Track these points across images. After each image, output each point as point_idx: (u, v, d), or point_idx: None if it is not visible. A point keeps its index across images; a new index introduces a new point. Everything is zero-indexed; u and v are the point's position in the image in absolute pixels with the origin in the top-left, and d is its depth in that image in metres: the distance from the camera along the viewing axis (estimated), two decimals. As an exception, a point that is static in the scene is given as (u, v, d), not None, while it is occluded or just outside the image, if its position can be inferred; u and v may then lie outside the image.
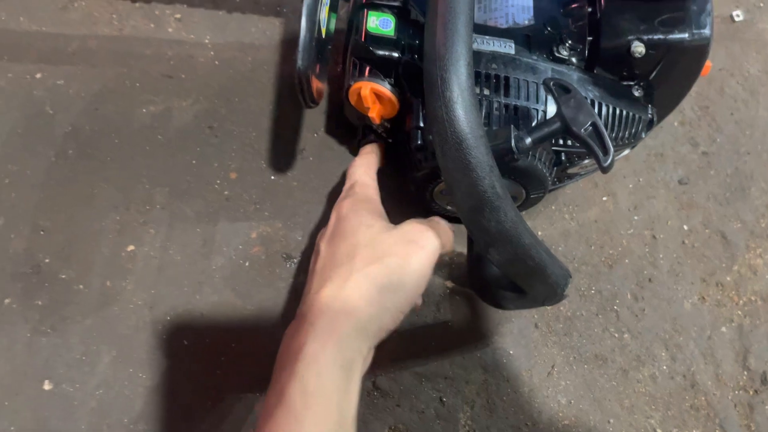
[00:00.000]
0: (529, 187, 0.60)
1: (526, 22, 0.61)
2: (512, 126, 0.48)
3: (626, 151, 0.65)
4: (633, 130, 0.59)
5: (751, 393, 0.70)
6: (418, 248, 0.47)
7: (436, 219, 0.56)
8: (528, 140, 0.48)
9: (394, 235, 0.48)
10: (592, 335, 0.71)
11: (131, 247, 0.69)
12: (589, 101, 0.55)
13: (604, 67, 0.59)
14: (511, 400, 0.68)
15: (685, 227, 0.78)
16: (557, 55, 0.58)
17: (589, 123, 0.46)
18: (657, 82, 0.60)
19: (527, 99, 0.56)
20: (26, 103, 0.73)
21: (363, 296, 0.43)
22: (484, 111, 0.55)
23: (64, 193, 0.70)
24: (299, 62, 0.49)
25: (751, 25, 0.93)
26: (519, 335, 0.71)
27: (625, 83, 0.60)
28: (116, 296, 0.66)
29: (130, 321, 0.66)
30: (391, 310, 0.44)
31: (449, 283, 0.73)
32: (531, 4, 0.63)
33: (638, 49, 0.56)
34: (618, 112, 0.58)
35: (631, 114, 0.58)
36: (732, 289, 0.75)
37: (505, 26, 0.61)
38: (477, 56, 0.56)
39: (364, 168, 0.61)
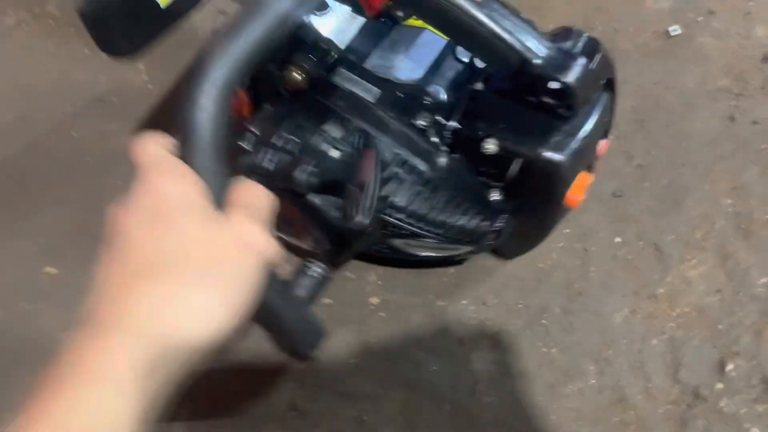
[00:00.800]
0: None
1: (407, 82, 0.60)
2: (308, 158, 0.50)
3: (464, 249, 0.62)
4: (471, 228, 0.58)
5: (683, 407, 0.68)
6: (254, 256, 0.35)
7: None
8: (312, 178, 0.49)
9: (228, 234, 0.35)
10: (519, 350, 0.70)
11: (51, 270, 0.69)
12: (425, 177, 0.55)
13: (462, 156, 0.58)
14: (433, 418, 0.66)
15: (618, 240, 0.77)
16: (414, 122, 0.57)
17: (362, 181, 0.47)
18: (516, 195, 0.58)
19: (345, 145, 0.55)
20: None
21: (200, 310, 0.32)
22: (305, 138, 0.54)
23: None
24: None
25: (689, 39, 0.93)
26: (443, 351, 0.70)
27: (484, 181, 0.58)
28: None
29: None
30: (226, 330, 0.32)
31: (374, 300, 0.72)
32: (425, 66, 0.60)
33: (489, 146, 0.54)
34: (456, 201, 0.57)
35: (471, 210, 0.57)
36: (665, 301, 0.74)
37: (384, 76, 0.59)
38: (332, 89, 0.57)
39: None
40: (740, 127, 0.86)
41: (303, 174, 0.49)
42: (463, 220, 0.57)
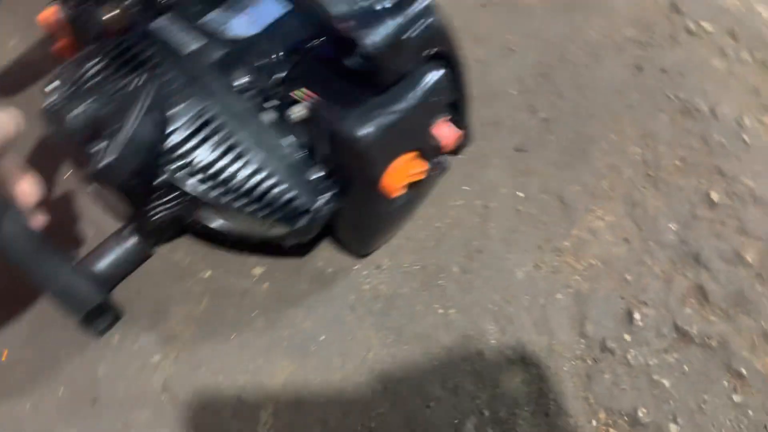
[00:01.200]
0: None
1: (236, 38, 0.54)
2: (93, 100, 0.45)
3: (279, 230, 0.53)
4: (281, 203, 0.50)
5: (589, 362, 0.64)
6: None
7: None
8: (79, 120, 0.44)
9: None
10: (415, 313, 0.65)
11: None
12: (235, 140, 0.49)
13: (283, 124, 0.51)
14: (320, 391, 0.61)
15: (521, 194, 0.73)
16: (233, 80, 0.51)
17: (119, 126, 0.42)
18: (334, 175, 0.52)
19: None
20: None
21: None
22: (104, 79, 0.49)
23: None
24: None
25: (595, -8, 0.90)
26: (332, 320, 0.65)
27: (304, 155, 0.51)
28: None
29: None
30: None
31: (257, 270, 0.67)
32: (262, 25, 0.55)
33: (295, 112, 0.48)
34: (267, 170, 0.49)
35: (283, 183, 0.49)
36: (570, 254, 0.70)
37: (212, 31, 0.54)
38: (146, 35, 0.51)
39: None
40: (648, 76, 0.83)
41: (74, 116, 0.45)
42: (273, 192, 0.49)
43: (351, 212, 0.55)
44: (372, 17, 0.42)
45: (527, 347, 0.64)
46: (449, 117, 0.53)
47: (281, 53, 0.52)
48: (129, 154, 0.41)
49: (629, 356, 0.64)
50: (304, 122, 0.49)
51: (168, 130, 0.47)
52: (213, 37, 0.53)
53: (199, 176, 0.48)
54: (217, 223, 0.52)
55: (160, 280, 0.66)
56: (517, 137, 0.77)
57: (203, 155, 0.48)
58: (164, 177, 0.48)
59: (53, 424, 0.58)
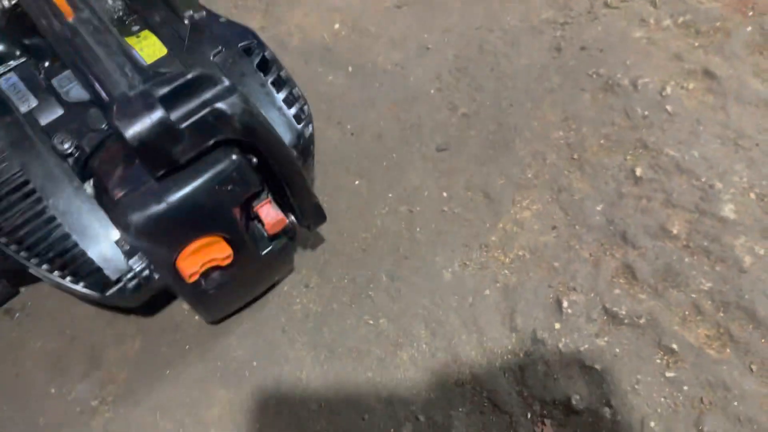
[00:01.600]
0: None
1: (78, 100, 0.53)
2: None
3: (80, 292, 0.52)
4: (84, 274, 0.50)
5: (521, 355, 0.64)
6: None
7: None
8: None
9: None
10: (346, 327, 0.66)
11: None
12: (44, 205, 0.49)
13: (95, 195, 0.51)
14: (257, 416, 0.62)
15: (445, 194, 0.73)
16: (56, 144, 0.51)
17: None
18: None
19: None
20: None
21: None
22: None
23: None
24: None
25: (511, -22, 0.90)
26: (264, 344, 0.66)
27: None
28: None
29: None
30: None
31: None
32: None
33: (88, 188, 0.50)
34: (69, 240, 0.49)
35: (88, 257, 0.50)
36: (497, 248, 0.70)
37: (59, 92, 0.54)
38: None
39: None
40: (567, 56, 0.83)
41: None
42: (78, 263, 0.50)
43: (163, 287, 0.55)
44: (135, 102, 0.40)
45: (458, 348, 0.64)
46: (268, 200, 0.51)
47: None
48: None
49: (560, 345, 0.64)
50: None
51: None
52: (53, 97, 0.53)
53: (9, 236, 0.49)
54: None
55: (93, 326, 0.67)
56: (438, 137, 0.77)
57: (14, 217, 0.49)
58: None
59: (-1, 481, 0.60)
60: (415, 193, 0.73)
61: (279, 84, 0.57)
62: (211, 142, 0.43)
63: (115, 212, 0.44)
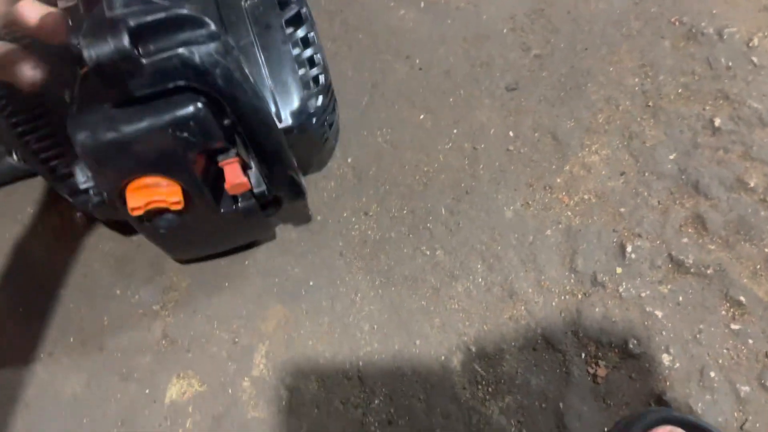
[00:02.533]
0: None
1: None
2: None
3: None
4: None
5: (579, 297, 0.63)
6: None
7: None
8: None
9: None
10: (402, 256, 0.66)
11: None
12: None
13: None
14: (309, 332, 0.63)
15: (511, 134, 0.72)
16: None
17: None
18: None
19: None
20: None
21: None
22: None
23: None
24: None
25: None
26: (321, 266, 0.66)
27: None
28: None
29: None
30: None
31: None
32: None
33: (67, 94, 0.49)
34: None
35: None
36: (562, 190, 0.68)
37: None
38: None
39: None
40: (649, 2, 0.79)
41: None
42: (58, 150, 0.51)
43: None
44: (108, 28, 0.38)
45: (515, 284, 0.64)
46: (235, 160, 0.48)
47: None
48: None
49: (621, 289, 0.62)
50: None
51: None
52: None
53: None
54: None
55: (158, 235, 0.69)
56: (508, 76, 0.76)
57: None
58: None
59: (66, 370, 0.63)
60: (480, 130, 0.72)
61: (304, 44, 0.54)
62: (171, 85, 0.41)
63: (68, 126, 0.43)
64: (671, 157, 0.68)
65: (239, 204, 0.53)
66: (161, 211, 0.48)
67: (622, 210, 0.66)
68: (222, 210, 0.53)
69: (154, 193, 0.46)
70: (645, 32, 0.77)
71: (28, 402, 0.61)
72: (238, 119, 0.45)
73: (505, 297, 0.63)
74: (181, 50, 0.40)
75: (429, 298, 0.64)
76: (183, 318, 0.65)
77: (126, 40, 0.38)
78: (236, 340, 0.63)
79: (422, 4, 0.82)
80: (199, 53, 0.41)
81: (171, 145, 0.44)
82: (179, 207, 0.47)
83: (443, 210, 0.68)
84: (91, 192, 0.52)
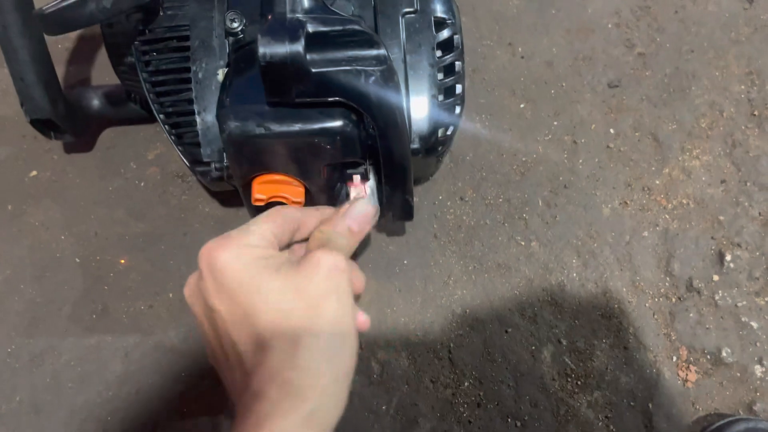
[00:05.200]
0: None
1: None
2: None
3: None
4: (186, 138, 0.53)
5: (673, 300, 0.63)
6: (337, 296, 0.35)
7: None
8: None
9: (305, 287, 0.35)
10: (497, 244, 0.67)
11: (34, 173, 0.71)
12: (187, 53, 0.51)
13: None
14: (402, 310, 0.64)
15: (612, 131, 0.72)
16: (226, 18, 0.51)
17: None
18: None
19: None
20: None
21: (317, 365, 0.32)
22: None
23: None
24: None
25: None
26: (416, 246, 0.67)
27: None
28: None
29: (26, 240, 0.68)
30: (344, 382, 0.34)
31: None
32: None
33: (220, 72, 0.51)
34: (193, 105, 0.52)
35: (197, 124, 0.52)
36: (660, 192, 0.68)
37: None
38: None
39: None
40: (759, 9, 0.78)
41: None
42: (186, 127, 0.52)
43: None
44: (288, 30, 0.39)
45: (609, 282, 0.64)
46: (366, 180, 0.50)
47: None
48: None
49: (716, 297, 0.62)
50: None
51: None
52: None
53: (152, 75, 0.52)
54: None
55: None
56: (611, 72, 0.75)
57: (162, 61, 0.52)
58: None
59: (166, 323, 0.65)
60: (581, 124, 0.72)
61: (449, 72, 0.54)
62: (330, 99, 0.42)
63: (220, 112, 0.44)
64: (775, 169, 0.68)
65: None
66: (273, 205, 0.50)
67: (722, 218, 0.66)
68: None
69: (281, 189, 0.47)
70: (754, 39, 0.76)
71: (128, 351, 0.63)
72: (380, 141, 0.45)
73: (599, 294, 0.64)
74: (349, 69, 0.40)
75: (521, 288, 0.65)
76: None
77: (302, 47, 0.39)
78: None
79: (527, -8, 0.81)
80: (365, 76, 0.41)
81: (312, 152, 0.45)
82: (299, 206, 0.49)
83: (540, 201, 0.68)
84: (213, 165, 0.53)
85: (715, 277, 0.63)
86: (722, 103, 0.72)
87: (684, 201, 0.68)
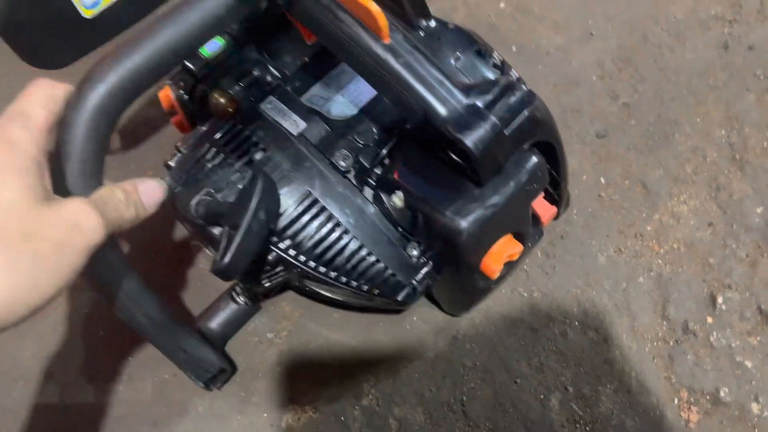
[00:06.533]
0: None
1: (338, 117, 0.56)
2: (208, 190, 0.49)
3: (379, 301, 0.56)
4: (381, 281, 0.53)
5: (671, 343, 0.67)
6: (80, 236, 0.33)
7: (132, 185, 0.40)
8: (203, 209, 0.48)
9: (53, 216, 0.33)
10: (500, 296, 0.70)
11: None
12: (335, 221, 0.51)
13: (381, 204, 0.53)
14: (415, 367, 0.68)
15: (602, 180, 0.76)
16: (335, 161, 0.53)
17: (234, 222, 0.44)
18: (433, 253, 0.53)
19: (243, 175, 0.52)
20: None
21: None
22: (218, 164, 0.53)
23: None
24: None
25: (679, -31, 0.89)
26: (424, 303, 0.70)
27: (403, 233, 0.54)
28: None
29: (48, 314, 0.71)
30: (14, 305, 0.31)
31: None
32: (360, 104, 0.57)
33: (395, 199, 0.50)
34: (366, 250, 0.52)
35: (383, 262, 0.52)
36: (652, 238, 0.72)
37: (316, 108, 0.56)
38: (256, 117, 0.54)
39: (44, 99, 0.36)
40: (735, 54, 0.82)
41: (198, 204, 0.48)
42: (373, 271, 0.52)
43: (450, 286, 0.58)
44: (470, 115, 0.42)
45: (610, 329, 0.68)
46: (543, 194, 0.55)
47: (378, 135, 0.54)
48: (244, 252, 0.43)
49: (712, 338, 0.66)
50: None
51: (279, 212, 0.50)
52: (316, 116, 0.55)
53: (307, 254, 0.52)
54: (322, 291, 0.57)
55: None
56: (598, 123, 0.79)
57: (310, 235, 0.51)
58: (274, 255, 0.52)
59: (190, 392, 0.67)
60: (573, 175, 0.76)
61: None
62: (525, 146, 0.46)
63: (443, 221, 0.46)
64: (758, 210, 0.72)
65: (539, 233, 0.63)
66: None
67: (711, 261, 0.70)
68: (530, 245, 0.59)
69: (506, 250, 0.50)
70: (730, 85, 0.80)
71: (155, 421, 0.66)
72: (558, 149, 0.51)
73: (601, 341, 0.67)
74: (526, 111, 0.44)
75: (527, 339, 0.68)
76: (296, 346, 0.69)
77: (494, 119, 0.42)
78: (347, 369, 0.68)
79: (514, 49, 0.85)
80: (537, 107, 0.45)
81: (523, 200, 0.49)
82: (518, 256, 0.52)
83: (539, 253, 0.72)
84: (416, 281, 0.54)
85: (709, 319, 0.67)
86: (705, 148, 0.76)
87: (675, 245, 0.71)
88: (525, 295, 0.70)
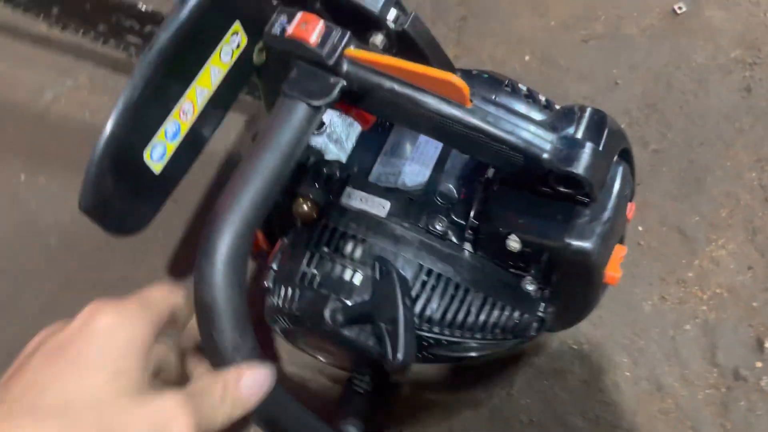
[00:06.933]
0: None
1: (416, 187, 0.57)
2: (334, 296, 0.50)
3: (511, 343, 0.57)
4: (512, 324, 0.55)
5: (723, 390, 0.68)
6: None
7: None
8: (342, 315, 0.49)
9: (140, 413, 0.29)
10: (549, 350, 0.72)
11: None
12: (454, 283, 0.53)
13: (487, 252, 0.54)
14: (471, 423, 0.69)
15: (640, 228, 0.77)
16: (431, 228, 0.54)
17: (391, 317, 0.45)
18: (553, 282, 0.55)
19: (366, 268, 0.52)
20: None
21: None
22: (325, 269, 0.53)
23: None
24: None
25: (695, 14, 0.92)
26: (475, 358, 0.72)
27: (514, 272, 0.55)
28: None
29: None
30: None
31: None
32: (430, 165, 0.58)
33: (512, 243, 0.51)
34: (490, 300, 0.54)
35: (509, 306, 0.54)
36: (695, 284, 0.73)
37: (391, 185, 0.57)
38: (342, 212, 0.55)
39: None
40: (757, 97, 0.85)
41: (333, 313, 0.49)
42: (502, 318, 0.54)
43: (567, 307, 0.58)
44: (567, 146, 0.45)
45: (661, 378, 0.69)
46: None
47: (458, 191, 0.56)
48: (409, 341, 0.45)
49: (762, 383, 0.67)
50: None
51: None
52: (395, 192, 0.56)
53: (438, 325, 0.53)
54: (453, 355, 0.57)
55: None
56: (631, 171, 0.81)
57: (437, 305, 0.53)
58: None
59: None
60: (610, 225, 0.78)
61: None
62: (615, 157, 0.50)
63: (568, 248, 0.49)
64: (796, 252, 0.73)
65: None
66: None
67: (755, 304, 0.71)
68: None
69: (618, 254, 0.53)
70: (757, 127, 0.82)
71: None
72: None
73: (653, 390, 0.69)
74: (607, 126, 0.49)
75: (579, 391, 0.69)
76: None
77: (590, 142, 0.46)
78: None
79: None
80: (611, 119, 0.51)
81: (623, 205, 0.52)
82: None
83: (584, 304, 0.73)
84: (544, 314, 0.56)
85: (758, 364, 0.68)
86: (737, 191, 0.78)
87: (717, 291, 0.73)
88: (575, 347, 0.71)
